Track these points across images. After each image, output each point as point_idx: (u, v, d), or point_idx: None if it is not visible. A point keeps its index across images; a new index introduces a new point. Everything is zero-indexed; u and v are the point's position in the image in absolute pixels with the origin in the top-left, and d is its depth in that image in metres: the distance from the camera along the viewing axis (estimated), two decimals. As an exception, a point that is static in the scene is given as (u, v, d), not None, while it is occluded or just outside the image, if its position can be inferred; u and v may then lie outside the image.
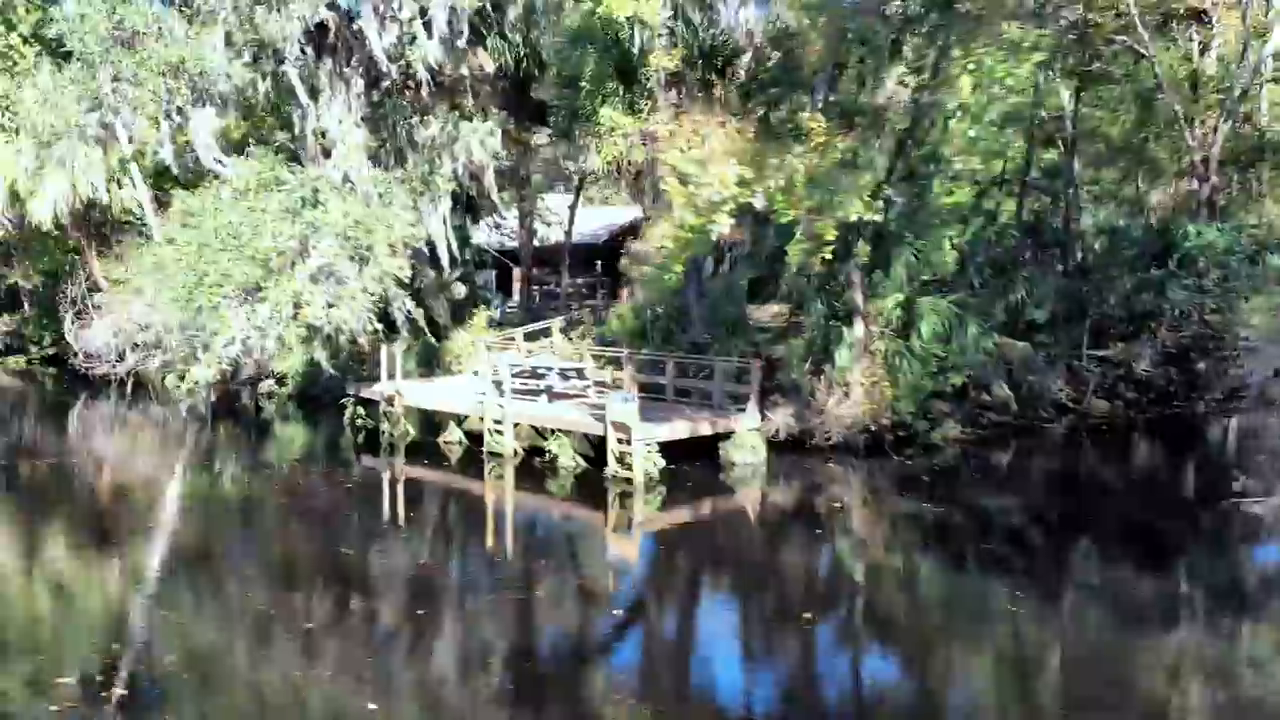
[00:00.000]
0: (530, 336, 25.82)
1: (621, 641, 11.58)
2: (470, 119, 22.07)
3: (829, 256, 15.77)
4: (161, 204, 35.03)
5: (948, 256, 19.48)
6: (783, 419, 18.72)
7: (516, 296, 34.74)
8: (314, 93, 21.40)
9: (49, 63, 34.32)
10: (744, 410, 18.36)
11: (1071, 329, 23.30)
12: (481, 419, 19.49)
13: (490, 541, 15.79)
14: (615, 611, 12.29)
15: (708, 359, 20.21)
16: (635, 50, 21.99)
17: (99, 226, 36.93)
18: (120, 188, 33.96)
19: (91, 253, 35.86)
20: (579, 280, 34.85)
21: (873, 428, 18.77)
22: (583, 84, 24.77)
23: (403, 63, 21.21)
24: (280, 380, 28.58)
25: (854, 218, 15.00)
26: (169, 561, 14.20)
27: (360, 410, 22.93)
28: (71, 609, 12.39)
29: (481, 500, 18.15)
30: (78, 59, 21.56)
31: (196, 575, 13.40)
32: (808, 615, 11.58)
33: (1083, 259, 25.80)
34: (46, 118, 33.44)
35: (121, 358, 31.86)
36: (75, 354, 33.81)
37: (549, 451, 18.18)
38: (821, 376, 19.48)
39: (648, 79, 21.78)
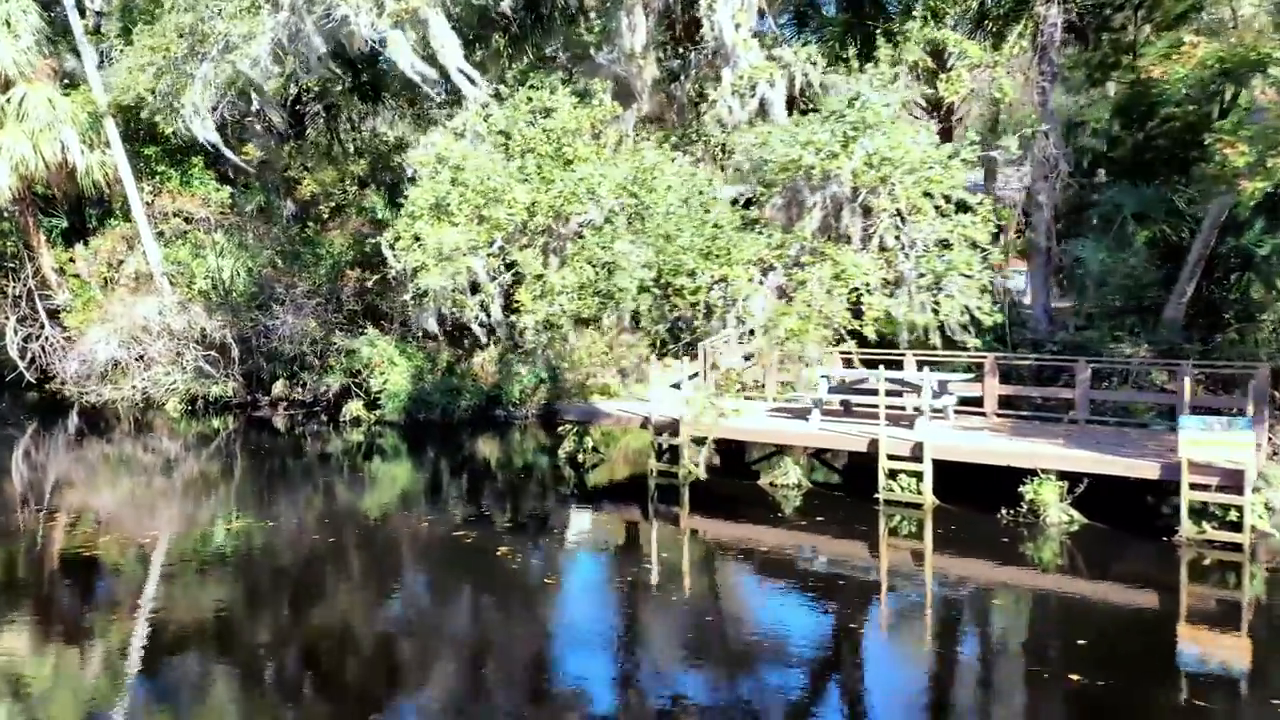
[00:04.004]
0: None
1: None
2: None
3: None
4: (141, 174, 26.80)
5: None
6: (1290, 446, 13.69)
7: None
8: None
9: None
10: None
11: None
12: (863, 453, 13.56)
13: (1004, 657, 9.05)
14: None
15: (1168, 361, 14.85)
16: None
17: (50, 203, 28.20)
18: (92, 150, 25.51)
19: (40, 239, 27.04)
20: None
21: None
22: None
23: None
24: (370, 401, 21.53)
25: None
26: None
27: (587, 441, 16.52)
28: None
29: (897, 573, 11.71)
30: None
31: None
32: None
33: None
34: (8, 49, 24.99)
35: (108, 378, 23.76)
36: (27, 372, 25.35)
37: (1031, 499, 12.42)
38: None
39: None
